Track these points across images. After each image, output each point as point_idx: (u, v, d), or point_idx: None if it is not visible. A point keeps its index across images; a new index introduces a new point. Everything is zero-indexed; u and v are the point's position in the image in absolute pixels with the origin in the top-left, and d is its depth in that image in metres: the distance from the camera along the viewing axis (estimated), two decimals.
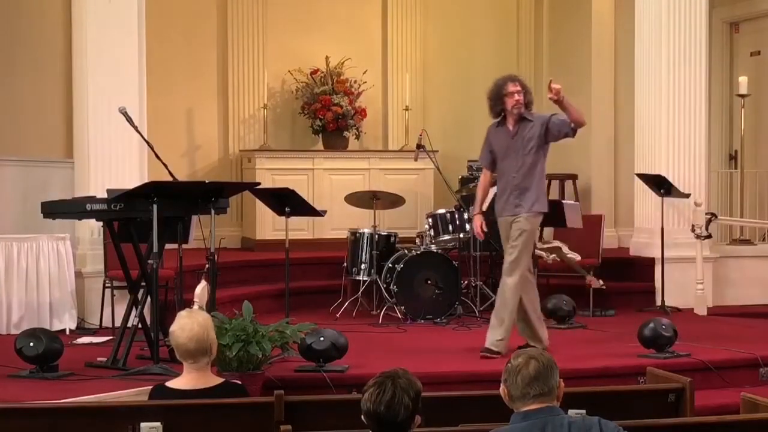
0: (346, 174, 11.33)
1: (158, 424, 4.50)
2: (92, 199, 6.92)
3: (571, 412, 4.04)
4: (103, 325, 8.28)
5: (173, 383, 4.68)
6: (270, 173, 11.03)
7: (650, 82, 9.87)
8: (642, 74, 9.98)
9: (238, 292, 8.58)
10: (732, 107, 11.45)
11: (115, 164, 8.50)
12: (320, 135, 11.76)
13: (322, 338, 6.57)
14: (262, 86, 11.62)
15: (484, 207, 7.62)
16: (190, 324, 4.59)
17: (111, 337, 7.62)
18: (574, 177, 11.55)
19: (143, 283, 6.91)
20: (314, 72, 11.80)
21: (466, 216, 9.10)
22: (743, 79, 10.50)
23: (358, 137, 11.93)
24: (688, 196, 9.57)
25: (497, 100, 7.30)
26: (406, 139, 11.86)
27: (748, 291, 9.99)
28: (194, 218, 7.42)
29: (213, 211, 6.82)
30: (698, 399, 5.18)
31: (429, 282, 9.03)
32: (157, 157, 7.00)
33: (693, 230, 9.47)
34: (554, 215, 9.08)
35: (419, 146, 9.73)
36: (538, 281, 9.28)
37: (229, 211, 7.50)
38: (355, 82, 11.84)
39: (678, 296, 9.56)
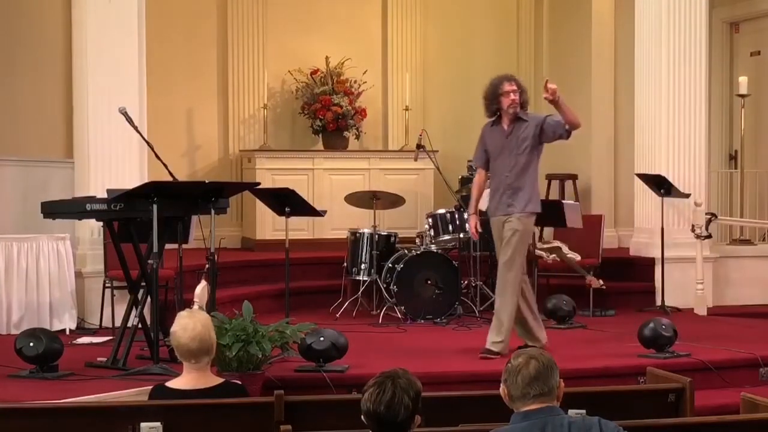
0: (346, 174, 11.33)
1: (158, 424, 4.49)
2: (92, 199, 6.92)
3: (571, 412, 4.04)
4: (103, 325, 8.28)
5: (173, 383, 4.68)
6: (270, 173, 11.03)
7: (650, 82, 9.87)
8: (642, 74, 9.98)
9: (238, 292, 8.58)
10: (732, 107, 11.45)
11: (115, 164, 8.50)
12: (320, 135, 11.76)
13: (322, 338, 6.57)
14: (262, 86, 11.62)
15: (483, 206, 7.62)
16: (193, 324, 4.59)
17: (111, 337, 7.62)
18: (574, 177, 11.55)
19: (143, 283, 6.91)
20: (314, 72, 11.81)
21: (466, 216, 9.10)
22: (743, 79, 10.50)
23: (358, 137, 11.93)
24: (688, 196, 9.57)
25: (493, 99, 7.30)
26: (406, 139, 11.86)
27: (748, 291, 9.99)
28: (194, 218, 7.42)
29: (213, 211, 6.82)
30: (698, 399, 5.18)
31: (429, 282, 9.03)
32: (157, 157, 7.00)
33: (693, 230, 9.47)
34: (554, 215, 9.10)
35: (419, 146, 9.73)
36: (538, 281, 9.34)
37: (229, 211, 7.50)
38: (355, 82, 11.84)
39: (678, 296, 9.56)
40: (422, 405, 3.57)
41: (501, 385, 3.63)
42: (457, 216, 9.25)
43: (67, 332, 8.03)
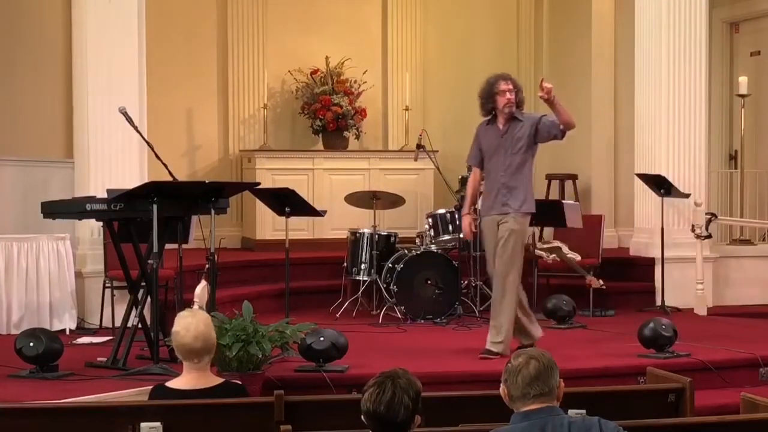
0: (346, 174, 11.33)
1: (158, 424, 4.49)
2: (92, 199, 6.91)
3: (571, 412, 4.05)
4: (103, 325, 8.28)
5: (173, 383, 4.68)
6: (270, 173, 11.03)
7: (650, 82, 9.87)
8: (642, 74, 9.98)
9: (238, 292, 8.58)
10: (732, 107, 11.45)
11: (115, 164, 8.50)
12: (320, 135, 11.76)
13: (322, 338, 6.57)
14: (262, 86, 11.62)
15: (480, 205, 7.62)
16: (195, 323, 4.60)
17: (111, 337, 7.62)
18: (574, 177, 11.55)
19: (143, 283, 6.91)
20: (314, 72, 11.81)
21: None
22: (743, 79, 10.50)
23: (358, 137, 11.93)
24: (688, 196, 9.57)
25: (489, 98, 7.29)
26: (406, 139, 11.86)
27: (748, 291, 9.99)
28: (194, 218, 7.42)
29: (213, 211, 6.82)
30: (698, 399, 5.18)
31: (429, 282, 9.03)
32: (157, 157, 7.00)
33: (693, 230, 9.47)
34: (554, 215, 9.10)
35: (419, 146, 9.74)
36: (538, 281, 9.34)
37: (229, 211, 7.50)
38: (355, 82, 11.84)
39: (678, 296, 9.57)
40: (422, 405, 3.57)
41: (501, 385, 3.63)
42: (457, 216, 9.24)
43: (67, 332, 8.03)
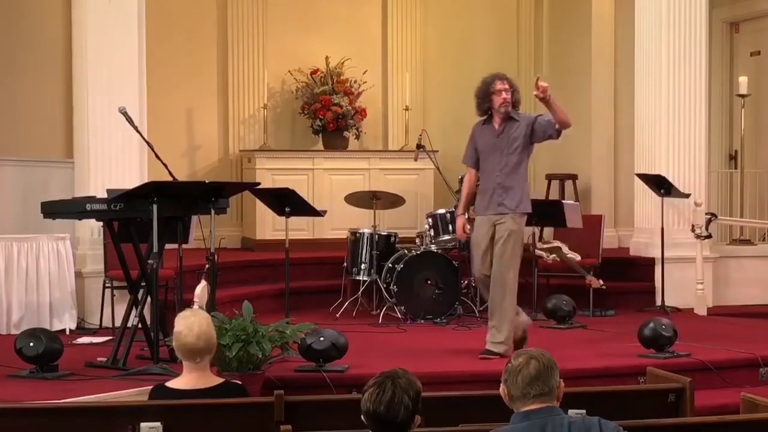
0: (346, 174, 11.33)
1: (158, 424, 4.49)
2: (92, 199, 6.91)
3: (571, 412, 4.05)
4: (103, 325, 8.28)
5: (173, 383, 4.68)
6: (270, 173, 11.03)
7: (650, 82, 9.87)
8: (642, 74, 9.98)
9: (238, 292, 8.58)
10: (732, 107, 11.45)
11: (115, 164, 8.50)
12: (320, 135, 11.76)
13: (322, 338, 6.57)
14: (262, 86, 11.62)
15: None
16: (198, 322, 4.60)
17: (111, 337, 7.61)
18: (574, 177, 11.55)
19: (143, 283, 6.91)
20: (314, 72, 11.81)
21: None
22: (743, 79, 10.50)
23: (358, 137, 11.93)
24: (688, 196, 9.57)
25: (485, 98, 7.29)
26: (406, 139, 11.86)
27: (748, 291, 9.99)
28: (194, 218, 7.43)
29: (213, 211, 6.82)
30: (698, 399, 5.18)
31: (429, 282, 9.03)
32: (157, 157, 7.00)
33: (693, 230, 9.47)
34: (554, 215, 9.10)
35: (419, 146, 9.74)
36: (538, 281, 9.34)
37: (229, 211, 7.50)
38: (355, 82, 11.85)
39: (678, 296, 9.56)
40: (422, 405, 3.57)
41: (501, 385, 3.63)
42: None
43: (67, 332, 8.03)
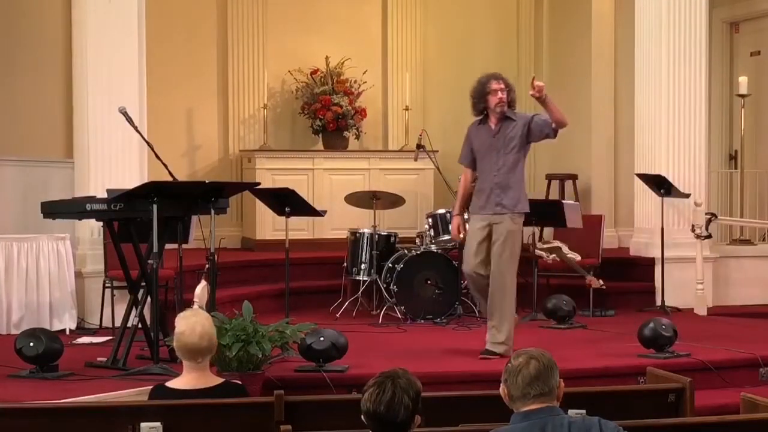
0: (346, 174, 11.33)
1: (158, 424, 4.50)
2: (92, 199, 6.92)
3: (571, 412, 4.05)
4: (103, 325, 8.28)
5: (173, 383, 4.68)
6: (270, 173, 11.03)
7: (650, 82, 9.87)
8: (642, 74, 9.98)
9: (238, 292, 8.58)
10: (732, 107, 11.45)
11: (115, 164, 8.50)
12: (320, 135, 11.76)
13: (322, 338, 6.57)
14: (262, 86, 11.62)
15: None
16: (201, 322, 4.61)
17: (111, 337, 7.61)
18: (574, 177, 11.55)
19: (143, 283, 6.91)
20: (314, 72, 11.81)
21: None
22: (743, 79, 10.50)
23: (358, 137, 11.93)
24: (688, 196, 9.57)
25: (480, 97, 7.28)
26: (406, 139, 11.86)
27: (748, 291, 9.99)
28: (194, 218, 7.43)
29: (213, 211, 6.82)
30: (698, 399, 5.18)
31: (429, 282, 9.03)
32: (157, 157, 7.00)
33: (693, 230, 9.47)
34: (554, 215, 9.10)
35: (419, 146, 9.74)
36: (538, 281, 9.33)
37: (229, 211, 7.50)
38: (355, 82, 11.85)
39: (678, 296, 9.56)
40: (422, 405, 3.57)
41: (501, 385, 3.63)
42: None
43: (67, 332, 8.03)
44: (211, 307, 6.63)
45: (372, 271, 9.16)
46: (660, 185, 9.52)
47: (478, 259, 7.22)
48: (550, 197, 11.32)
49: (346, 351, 6.65)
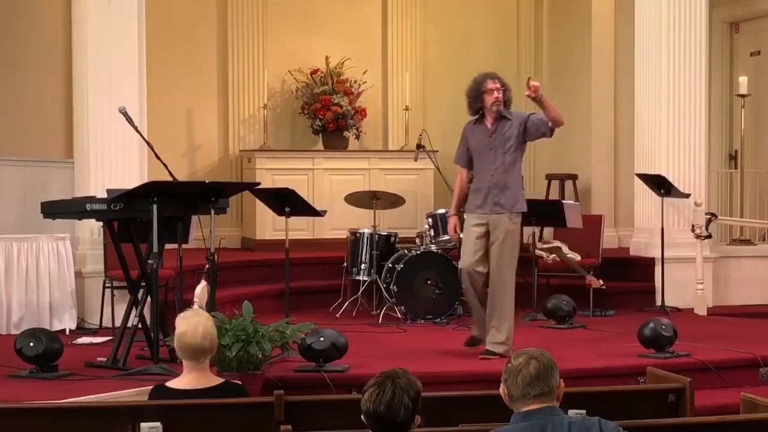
0: (346, 174, 11.33)
1: (158, 424, 4.49)
2: (92, 199, 6.92)
3: (571, 412, 4.05)
4: (103, 325, 8.28)
5: (173, 383, 4.68)
6: (270, 173, 11.03)
7: (650, 82, 9.87)
8: (642, 74, 9.98)
9: (238, 292, 8.58)
10: (732, 107, 11.45)
11: (115, 164, 8.50)
12: (320, 135, 11.76)
13: (322, 338, 6.57)
14: (262, 86, 11.62)
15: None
16: (203, 323, 4.61)
17: (111, 337, 7.62)
18: (574, 177, 11.55)
19: (143, 283, 6.91)
20: (314, 72, 11.81)
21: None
22: (743, 79, 10.50)
23: (358, 137, 11.93)
24: (688, 196, 9.57)
25: (476, 97, 7.28)
26: (406, 139, 11.86)
27: (748, 291, 9.99)
28: (194, 218, 7.43)
29: (213, 211, 6.82)
30: (698, 399, 5.18)
31: (429, 282, 9.03)
32: (157, 157, 7.00)
33: (693, 230, 9.47)
34: (554, 215, 9.10)
35: (419, 146, 9.75)
36: (538, 281, 9.33)
37: (229, 211, 7.50)
38: (355, 82, 11.85)
39: (678, 296, 9.56)
40: (422, 405, 3.57)
41: (501, 385, 3.63)
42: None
43: (67, 332, 8.03)
44: (211, 307, 6.63)
45: (372, 271, 9.16)
46: (660, 185, 9.52)
47: (476, 256, 7.21)
48: (550, 197, 11.32)
49: (346, 351, 6.64)
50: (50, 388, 6.20)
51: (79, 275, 8.46)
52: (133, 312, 6.92)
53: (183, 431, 4.54)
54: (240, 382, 4.96)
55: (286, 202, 8.25)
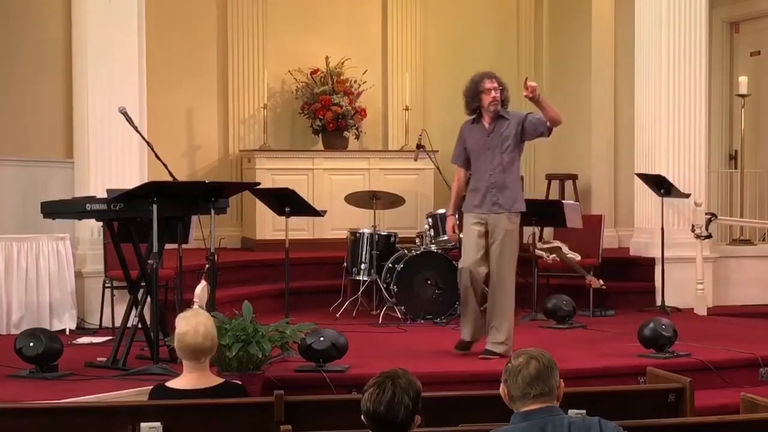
0: (346, 174, 11.33)
1: (158, 424, 4.49)
2: (92, 199, 6.92)
3: (571, 412, 4.05)
4: (103, 325, 8.28)
5: (173, 383, 4.68)
6: (270, 173, 11.03)
7: (650, 82, 9.87)
8: (642, 74, 9.98)
9: (238, 292, 8.58)
10: (732, 107, 11.45)
11: (115, 164, 8.50)
12: (320, 135, 11.76)
13: (322, 338, 6.57)
14: (262, 86, 11.62)
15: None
16: (203, 323, 4.61)
17: (111, 337, 7.62)
18: (574, 177, 11.55)
19: (143, 283, 6.91)
20: (314, 72, 11.81)
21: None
22: (743, 79, 10.50)
23: (358, 137, 11.93)
24: (688, 196, 9.57)
25: (474, 96, 7.28)
26: (406, 139, 11.86)
27: (748, 291, 9.99)
28: (194, 218, 7.43)
29: (213, 211, 6.82)
30: (698, 399, 5.18)
31: (429, 282, 9.03)
32: (157, 157, 7.00)
33: (693, 230, 9.47)
34: (554, 215, 9.10)
35: (419, 146, 9.74)
36: (538, 281, 9.33)
37: (229, 211, 7.50)
38: (355, 82, 11.85)
39: (678, 296, 9.56)
40: (422, 405, 3.57)
41: (501, 385, 3.63)
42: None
43: (67, 332, 8.03)
44: (211, 307, 6.63)
45: (372, 271, 9.16)
46: (660, 185, 9.52)
47: (479, 255, 7.21)
48: (550, 197, 11.32)
49: (346, 351, 6.64)
50: (50, 388, 6.20)
51: (79, 275, 8.46)
52: (133, 312, 6.92)
53: (183, 431, 4.54)
54: (240, 382, 4.96)
55: (286, 202, 8.25)
